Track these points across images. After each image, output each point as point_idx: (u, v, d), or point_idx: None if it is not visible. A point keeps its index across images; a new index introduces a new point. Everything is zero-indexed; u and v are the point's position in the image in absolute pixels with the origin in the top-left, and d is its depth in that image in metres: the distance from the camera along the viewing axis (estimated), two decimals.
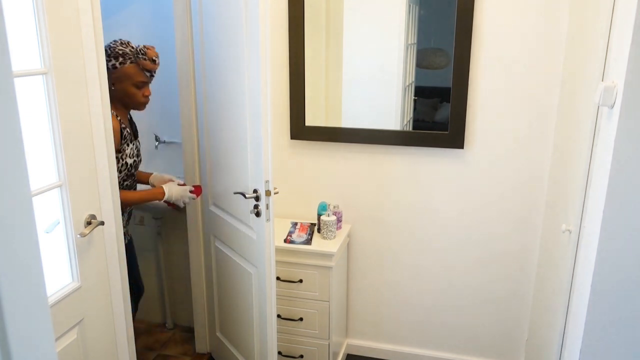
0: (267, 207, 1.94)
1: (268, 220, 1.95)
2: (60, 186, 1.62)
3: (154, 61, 1.97)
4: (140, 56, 1.94)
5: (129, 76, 1.96)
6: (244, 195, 1.97)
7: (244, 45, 1.90)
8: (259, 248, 2.03)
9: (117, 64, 1.93)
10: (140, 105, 2.06)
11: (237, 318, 2.34)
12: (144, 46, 1.95)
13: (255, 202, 1.96)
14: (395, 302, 2.66)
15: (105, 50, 1.85)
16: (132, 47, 1.96)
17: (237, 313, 2.33)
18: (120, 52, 1.93)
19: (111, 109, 1.88)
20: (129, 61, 1.94)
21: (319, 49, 2.43)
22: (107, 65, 1.84)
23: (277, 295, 2.34)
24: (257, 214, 1.96)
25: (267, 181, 1.91)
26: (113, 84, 1.95)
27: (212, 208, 2.41)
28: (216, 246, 2.43)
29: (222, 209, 2.33)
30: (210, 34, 2.16)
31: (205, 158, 2.40)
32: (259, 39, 1.79)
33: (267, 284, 2.03)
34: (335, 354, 2.57)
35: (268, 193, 1.93)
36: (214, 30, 2.13)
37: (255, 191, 1.96)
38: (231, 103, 2.08)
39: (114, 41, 1.95)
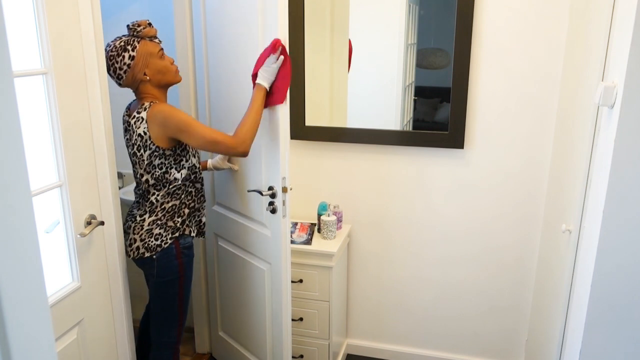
0: (284, 203, 1.95)
1: (284, 216, 1.96)
2: (60, 186, 1.62)
3: (149, 24, 1.87)
4: (138, 29, 1.84)
5: (149, 51, 1.84)
6: (261, 193, 1.97)
7: (258, 41, 1.89)
8: (275, 245, 2.03)
9: (132, 52, 1.82)
10: (176, 75, 1.93)
11: (246, 316, 2.33)
12: (130, 23, 1.86)
13: (270, 199, 1.96)
14: (395, 302, 2.66)
15: (112, 53, 1.81)
16: (127, 33, 1.86)
17: (246, 311, 2.32)
18: (122, 43, 1.82)
19: (161, 102, 1.85)
20: (135, 41, 1.83)
21: (322, 49, 2.43)
22: (125, 63, 1.80)
23: None
24: (273, 211, 1.97)
25: (284, 178, 1.92)
26: (145, 74, 1.84)
27: (216, 207, 2.41)
28: (219, 245, 2.42)
29: (228, 208, 2.32)
30: (214, 32, 2.15)
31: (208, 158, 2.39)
32: (278, 35, 1.79)
33: (282, 281, 2.03)
34: (335, 354, 2.57)
35: (285, 190, 1.93)
36: (218, 28, 2.12)
37: (270, 188, 1.96)
38: (241, 102, 2.05)
39: (108, 44, 1.85)
